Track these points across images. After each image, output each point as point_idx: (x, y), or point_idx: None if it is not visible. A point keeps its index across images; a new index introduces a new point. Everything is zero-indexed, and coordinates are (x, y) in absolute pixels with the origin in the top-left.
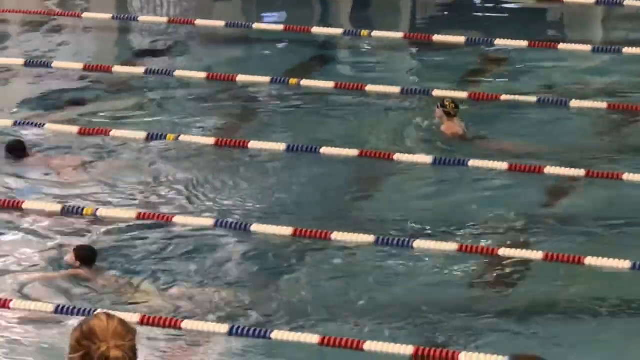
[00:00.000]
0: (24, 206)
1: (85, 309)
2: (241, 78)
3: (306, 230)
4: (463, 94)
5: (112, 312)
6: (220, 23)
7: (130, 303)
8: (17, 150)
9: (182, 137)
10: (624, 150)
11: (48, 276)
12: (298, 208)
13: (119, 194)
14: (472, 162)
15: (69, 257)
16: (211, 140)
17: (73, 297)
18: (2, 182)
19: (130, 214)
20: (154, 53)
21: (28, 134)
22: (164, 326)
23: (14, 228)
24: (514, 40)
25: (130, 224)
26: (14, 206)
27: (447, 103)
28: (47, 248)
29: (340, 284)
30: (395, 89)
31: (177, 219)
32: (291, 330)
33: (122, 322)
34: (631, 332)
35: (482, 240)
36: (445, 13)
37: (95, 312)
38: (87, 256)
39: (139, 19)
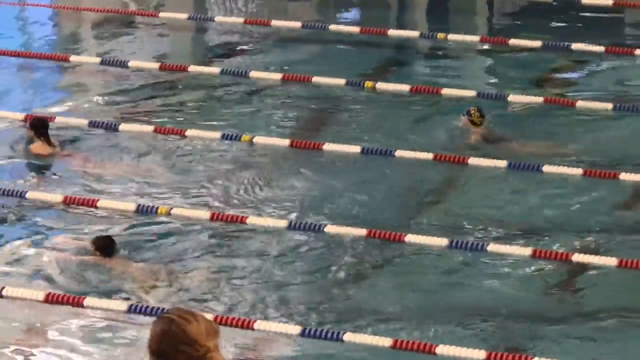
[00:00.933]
0: (99, 204)
1: (158, 308)
2: (316, 79)
3: (380, 232)
4: (539, 99)
5: (190, 310)
6: (297, 24)
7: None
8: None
9: (257, 139)
10: None
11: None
12: (372, 210)
13: (193, 194)
14: (547, 168)
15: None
16: (286, 142)
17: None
18: (82, 181)
19: (204, 214)
20: (229, 53)
21: (102, 134)
22: (238, 326)
23: (90, 223)
24: (591, 45)
25: (204, 224)
26: (90, 204)
27: (473, 112)
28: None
29: (414, 286)
30: (471, 93)
31: (251, 220)
32: (364, 332)
33: (210, 321)
34: None
35: (556, 246)
36: (522, 16)
37: (178, 314)
38: (105, 246)
39: (215, 19)
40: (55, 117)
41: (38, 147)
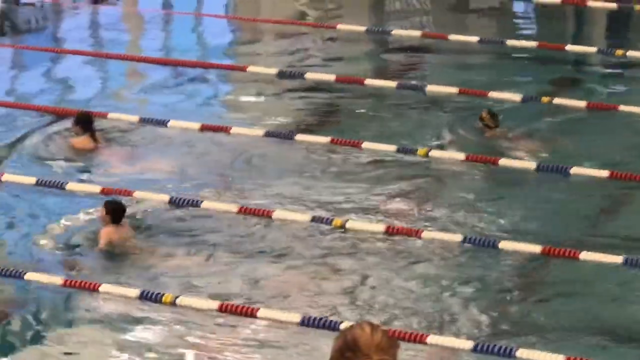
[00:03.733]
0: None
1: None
2: (492, 94)
3: (555, 249)
4: None
5: (375, 323)
6: (474, 38)
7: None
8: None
9: (433, 152)
10: None
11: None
12: (547, 226)
13: (366, 203)
14: None
15: (100, 212)
16: (461, 156)
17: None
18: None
19: (378, 227)
20: (405, 67)
21: (278, 143)
22: (410, 340)
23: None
24: None
25: (377, 236)
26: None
27: (484, 116)
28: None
29: (585, 303)
30: None
31: (425, 234)
32: (535, 348)
33: (386, 334)
34: None
35: None
36: None
37: (360, 322)
38: (115, 209)
39: (392, 32)
40: (231, 128)
41: (82, 141)
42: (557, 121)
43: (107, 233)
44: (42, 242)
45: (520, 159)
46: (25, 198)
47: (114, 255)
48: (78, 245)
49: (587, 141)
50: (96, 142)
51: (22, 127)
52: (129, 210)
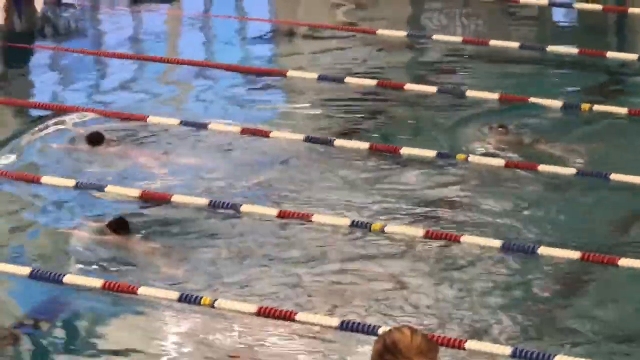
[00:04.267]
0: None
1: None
2: (533, 100)
3: (594, 255)
4: None
5: (415, 327)
6: (514, 44)
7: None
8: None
9: (472, 157)
10: None
11: None
12: (586, 232)
13: (403, 210)
14: None
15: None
16: (501, 162)
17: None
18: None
19: (418, 231)
20: (446, 72)
21: (317, 148)
22: (447, 345)
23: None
24: None
25: (417, 240)
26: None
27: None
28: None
29: (624, 310)
30: None
31: (465, 238)
32: (574, 355)
33: (426, 337)
34: None
35: None
36: None
37: (399, 326)
38: (117, 227)
39: (432, 37)
40: (270, 132)
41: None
42: (597, 128)
43: (118, 242)
44: (77, 244)
45: (560, 164)
46: (64, 199)
47: (146, 258)
48: (108, 249)
49: (628, 148)
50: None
51: (59, 129)
52: (167, 213)
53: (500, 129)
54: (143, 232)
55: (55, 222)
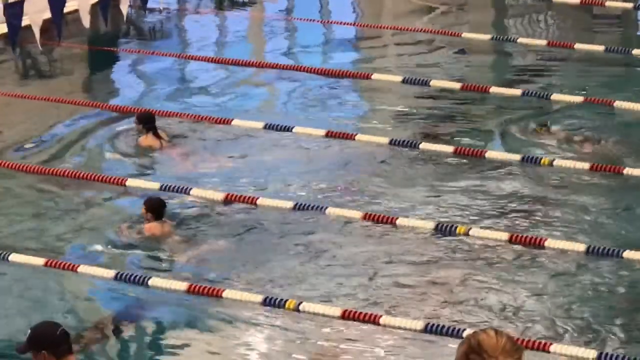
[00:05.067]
0: (398, 222)
1: (455, 328)
2: (618, 104)
3: None
4: None
5: (500, 329)
6: (599, 47)
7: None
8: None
9: (556, 161)
10: None
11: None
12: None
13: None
14: None
15: (142, 210)
16: (586, 165)
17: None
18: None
19: (502, 235)
20: (531, 75)
21: (403, 151)
22: (532, 348)
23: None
24: None
25: (504, 244)
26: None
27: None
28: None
29: None
30: None
31: (549, 243)
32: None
33: (511, 338)
34: None
35: None
36: None
37: (484, 328)
38: (155, 206)
39: (517, 40)
40: (356, 135)
41: (146, 140)
42: None
43: (150, 229)
44: (162, 246)
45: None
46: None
47: (230, 262)
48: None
49: None
50: (160, 140)
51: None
52: (250, 217)
53: (581, 138)
54: (228, 235)
55: (139, 223)
